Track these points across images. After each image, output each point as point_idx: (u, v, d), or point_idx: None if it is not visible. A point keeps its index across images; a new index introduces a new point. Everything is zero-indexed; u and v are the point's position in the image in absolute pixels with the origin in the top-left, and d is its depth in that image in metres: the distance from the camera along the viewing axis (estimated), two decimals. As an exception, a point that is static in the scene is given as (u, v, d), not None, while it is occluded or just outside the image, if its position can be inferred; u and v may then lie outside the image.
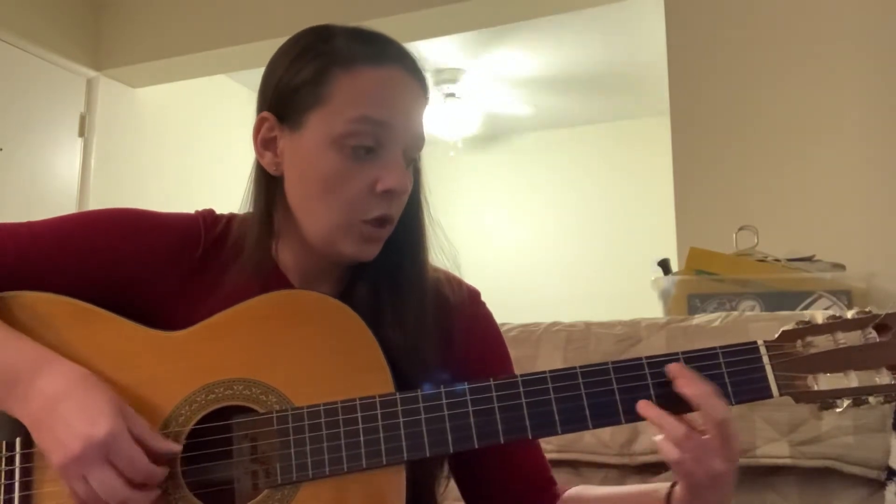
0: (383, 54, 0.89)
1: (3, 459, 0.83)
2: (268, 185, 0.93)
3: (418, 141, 0.92)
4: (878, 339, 0.79)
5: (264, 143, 0.92)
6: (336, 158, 0.87)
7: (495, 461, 0.97)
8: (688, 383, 0.78)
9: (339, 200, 0.87)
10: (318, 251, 0.92)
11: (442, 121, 4.97)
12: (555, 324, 1.53)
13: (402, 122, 0.89)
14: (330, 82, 0.87)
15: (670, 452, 0.77)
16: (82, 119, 3.62)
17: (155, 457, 0.79)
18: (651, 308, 2.08)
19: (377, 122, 0.86)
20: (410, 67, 0.91)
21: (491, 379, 0.82)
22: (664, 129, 2.74)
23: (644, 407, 0.79)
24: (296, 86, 0.88)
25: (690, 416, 0.78)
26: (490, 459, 0.96)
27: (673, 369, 0.79)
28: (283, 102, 0.90)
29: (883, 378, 0.78)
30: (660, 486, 0.88)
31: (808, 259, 2.09)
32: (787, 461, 1.25)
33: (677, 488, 0.83)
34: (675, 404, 0.79)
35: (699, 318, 1.46)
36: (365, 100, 0.87)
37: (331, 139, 0.86)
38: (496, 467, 0.97)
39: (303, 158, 0.89)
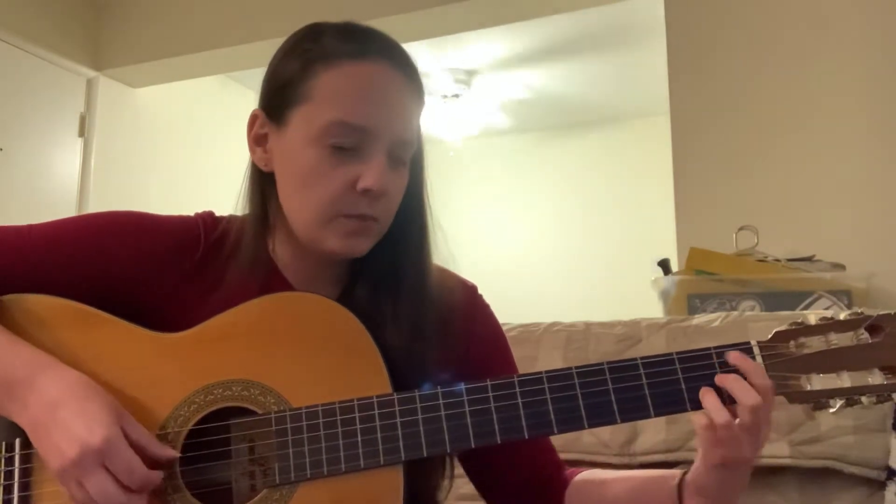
0: (366, 49, 0.88)
1: (3, 460, 0.83)
2: (261, 182, 0.93)
3: (406, 140, 0.89)
4: (870, 340, 0.80)
5: (256, 139, 0.93)
6: (316, 155, 0.86)
7: (502, 448, 0.96)
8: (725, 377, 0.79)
9: (318, 197, 0.86)
10: (309, 249, 0.91)
11: (441, 121, 4.97)
12: (555, 324, 1.53)
13: (383, 121, 0.86)
14: (311, 79, 0.87)
15: (700, 418, 0.78)
16: (82, 119, 3.62)
17: (153, 462, 0.79)
18: (651, 308, 2.08)
19: (355, 127, 0.85)
20: (397, 62, 0.89)
21: (488, 380, 0.82)
22: (664, 129, 2.73)
23: (705, 394, 0.79)
24: (282, 83, 0.89)
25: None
26: (497, 447, 0.96)
27: (734, 357, 0.80)
28: (271, 99, 0.91)
29: (875, 378, 0.79)
30: (670, 472, 0.89)
31: (808, 259, 2.08)
32: (787, 461, 1.25)
33: (690, 475, 0.84)
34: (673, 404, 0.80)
35: (699, 318, 1.46)
36: (343, 100, 0.85)
37: (310, 137, 0.86)
38: (503, 454, 0.97)
39: (287, 155, 0.89)
